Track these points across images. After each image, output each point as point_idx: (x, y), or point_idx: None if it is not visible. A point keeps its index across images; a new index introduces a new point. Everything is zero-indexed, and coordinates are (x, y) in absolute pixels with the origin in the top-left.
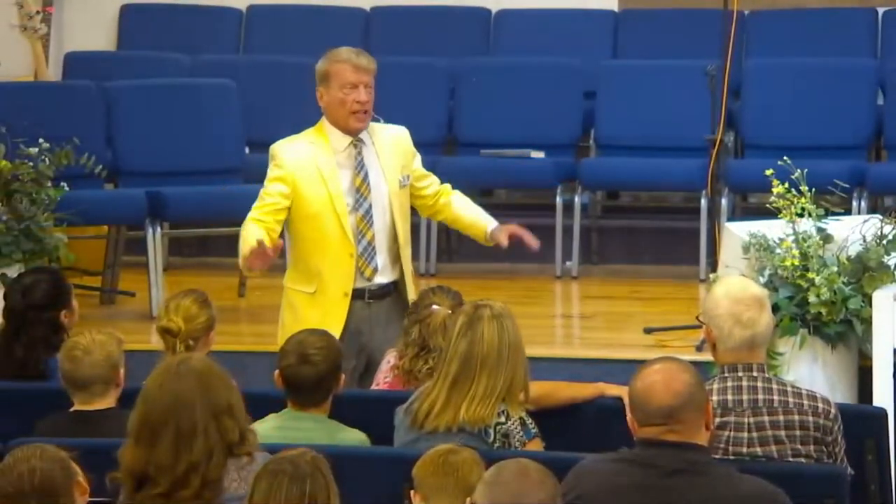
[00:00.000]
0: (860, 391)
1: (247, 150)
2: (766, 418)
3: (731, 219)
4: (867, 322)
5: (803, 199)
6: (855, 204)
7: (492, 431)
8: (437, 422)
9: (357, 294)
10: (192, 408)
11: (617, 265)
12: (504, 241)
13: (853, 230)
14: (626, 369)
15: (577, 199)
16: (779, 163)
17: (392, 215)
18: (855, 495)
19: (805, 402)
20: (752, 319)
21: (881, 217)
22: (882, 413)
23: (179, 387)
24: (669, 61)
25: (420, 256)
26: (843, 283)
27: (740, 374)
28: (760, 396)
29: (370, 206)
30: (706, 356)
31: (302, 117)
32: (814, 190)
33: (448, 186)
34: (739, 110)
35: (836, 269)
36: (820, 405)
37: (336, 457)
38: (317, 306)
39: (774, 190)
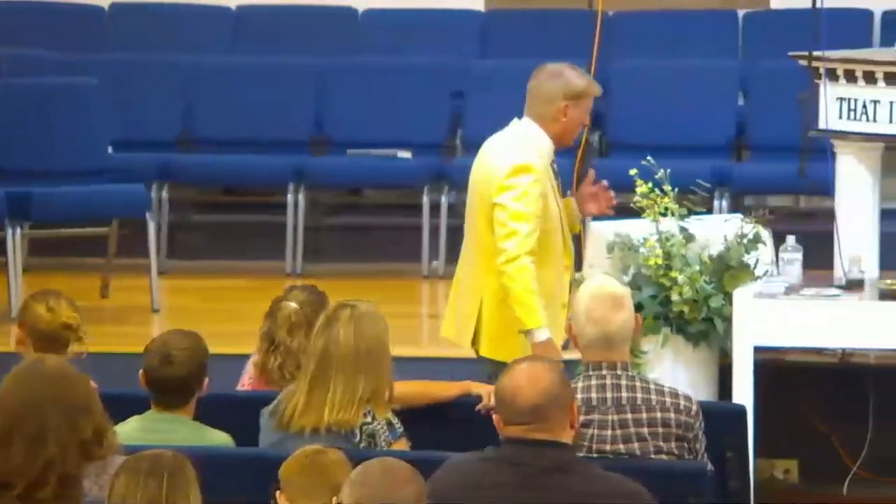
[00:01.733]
0: (721, 389)
1: (110, 149)
2: (629, 416)
3: (595, 218)
4: (728, 320)
5: (666, 199)
6: (717, 203)
7: (358, 432)
8: (302, 422)
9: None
10: (42, 408)
11: None
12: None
13: (715, 229)
14: None
15: (444, 198)
16: (643, 162)
17: None
18: (715, 491)
19: (667, 399)
20: (605, 317)
21: (742, 216)
22: (742, 410)
23: (31, 389)
24: (536, 61)
25: (286, 256)
26: (705, 281)
27: (604, 372)
28: (624, 394)
29: None
30: (572, 355)
31: (168, 115)
32: (677, 189)
33: None
34: (605, 110)
35: (698, 268)
36: (682, 402)
37: (201, 458)
38: (547, 318)
39: (638, 189)
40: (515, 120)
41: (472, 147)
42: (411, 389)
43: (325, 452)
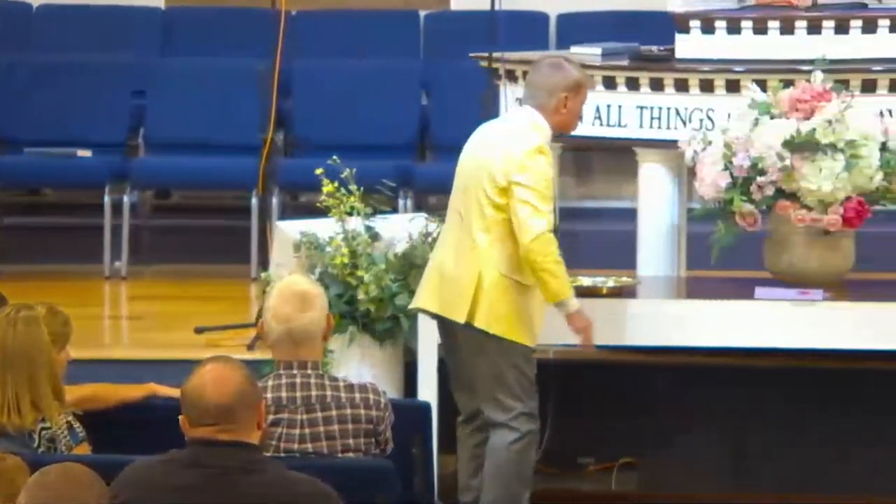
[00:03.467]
0: (407, 385)
1: None
2: (318, 415)
3: (282, 218)
4: (413, 318)
5: (352, 198)
6: (402, 203)
7: (36, 436)
8: None
9: None
10: None
11: (168, 265)
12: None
13: (400, 228)
14: (178, 370)
15: (125, 198)
16: (328, 162)
17: None
18: (401, 487)
19: (357, 395)
20: (288, 315)
21: (426, 215)
22: (426, 407)
23: None
24: (219, 59)
25: None
26: (391, 280)
27: (294, 371)
28: (314, 393)
29: None
30: (259, 355)
31: None
32: (362, 189)
33: None
34: (289, 110)
35: (384, 266)
36: (371, 396)
37: None
38: (535, 297)
39: (324, 189)
40: (517, 107)
41: (154, 146)
42: (92, 392)
43: (2, 459)
